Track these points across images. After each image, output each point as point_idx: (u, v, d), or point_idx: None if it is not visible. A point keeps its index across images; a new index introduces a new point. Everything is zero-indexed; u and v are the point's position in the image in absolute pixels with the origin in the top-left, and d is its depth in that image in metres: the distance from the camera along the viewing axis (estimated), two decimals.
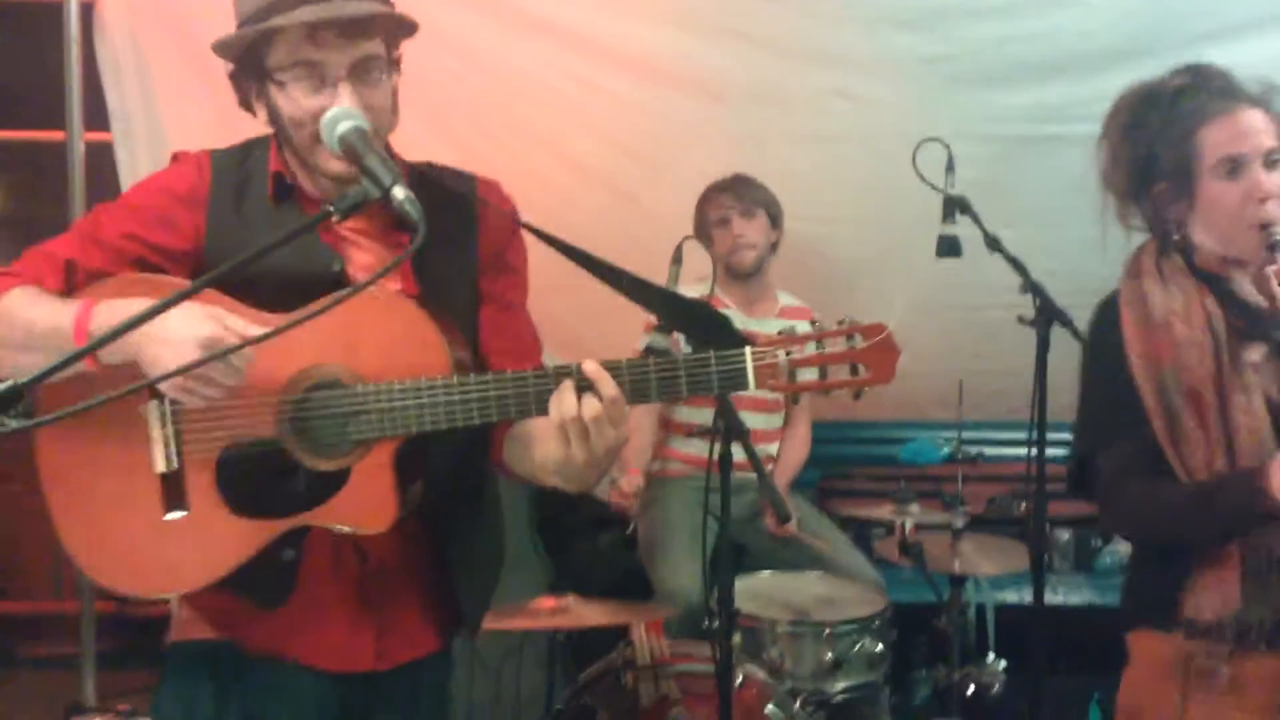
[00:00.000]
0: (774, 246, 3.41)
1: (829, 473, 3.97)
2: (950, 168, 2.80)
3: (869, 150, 3.38)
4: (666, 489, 3.38)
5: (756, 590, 2.94)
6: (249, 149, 1.65)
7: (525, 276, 1.77)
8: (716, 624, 2.25)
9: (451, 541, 1.67)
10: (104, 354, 1.41)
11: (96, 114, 3.32)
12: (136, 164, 3.29)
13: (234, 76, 1.60)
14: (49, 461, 1.58)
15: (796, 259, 3.52)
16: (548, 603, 2.46)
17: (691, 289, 2.94)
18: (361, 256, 1.61)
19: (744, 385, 1.41)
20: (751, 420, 3.12)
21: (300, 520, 1.51)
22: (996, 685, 2.84)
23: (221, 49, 1.56)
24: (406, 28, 1.57)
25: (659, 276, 2.50)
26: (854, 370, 1.41)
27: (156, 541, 1.53)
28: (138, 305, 1.36)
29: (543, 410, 1.41)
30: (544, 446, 1.49)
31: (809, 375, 1.41)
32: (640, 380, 1.41)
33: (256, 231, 1.57)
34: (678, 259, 2.27)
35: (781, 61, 3.34)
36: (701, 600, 2.84)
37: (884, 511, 3.04)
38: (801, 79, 3.37)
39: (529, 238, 1.70)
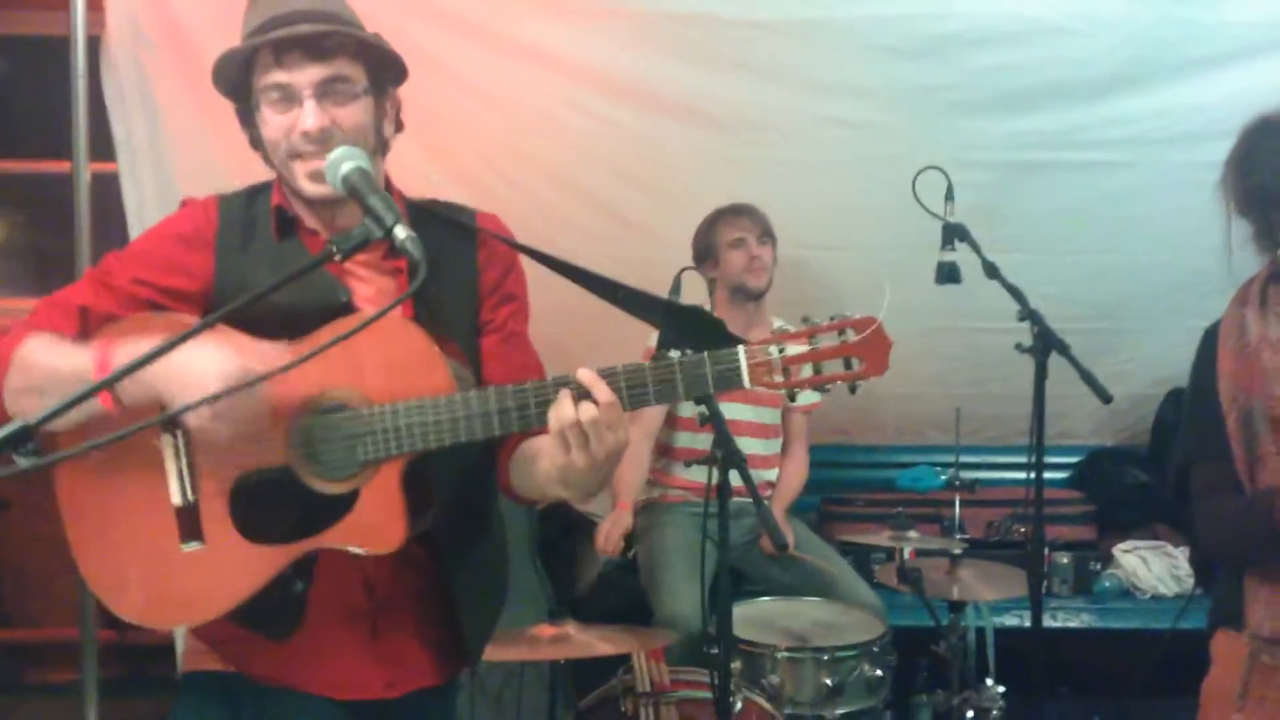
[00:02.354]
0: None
1: (829, 497, 3.98)
2: (949, 195, 2.84)
3: (868, 177, 3.42)
4: (665, 514, 3.39)
5: (756, 616, 2.96)
6: (255, 192, 1.70)
7: (526, 305, 1.80)
8: (716, 650, 2.26)
9: (456, 572, 1.69)
10: (125, 394, 1.44)
11: (102, 145, 3.35)
12: (142, 195, 3.32)
13: (238, 111, 1.65)
14: (70, 497, 1.60)
15: (793, 284, 3.55)
16: (547, 630, 2.47)
17: None
18: (363, 288, 1.65)
19: (740, 383, 1.43)
20: (749, 446, 3.13)
21: (312, 543, 1.53)
22: (995, 710, 2.84)
23: (215, 79, 1.62)
24: (370, 50, 1.60)
25: None
26: (847, 364, 1.44)
27: (174, 573, 1.55)
28: (154, 344, 1.38)
29: (544, 422, 1.44)
30: (546, 460, 1.51)
31: (804, 372, 1.43)
32: (637, 383, 1.44)
33: (262, 269, 1.61)
34: (676, 290, 2.30)
35: (781, 90, 3.38)
36: (700, 625, 2.85)
37: (882, 538, 3.05)
38: (801, 107, 3.41)
39: (527, 262, 1.74)
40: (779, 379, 1.43)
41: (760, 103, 3.38)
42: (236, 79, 1.61)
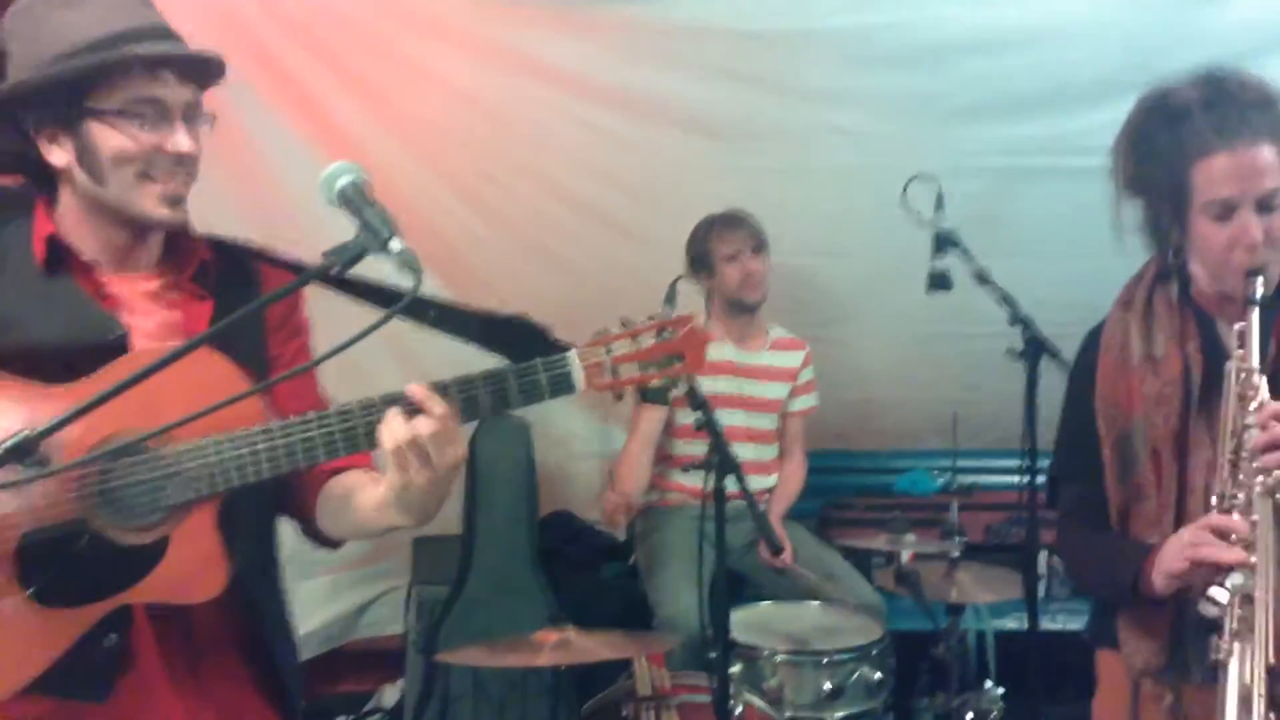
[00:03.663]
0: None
1: (829, 502, 4.00)
2: (940, 204, 2.86)
3: (861, 184, 3.44)
4: (665, 518, 3.42)
5: (756, 620, 2.97)
6: (3, 222, 1.56)
7: (309, 338, 1.71)
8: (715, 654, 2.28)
9: (266, 611, 1.63)
10: None
11: None
12: None
13: (17, 120, 1.50)
14: None
15: (789, 292, 3.58)
16: (549, 636, 2.48)
17: None
18: (142, 322, 1.55)
19: (574, 387, 1.44)
20: (745, 451, 3.16)
21: (118, 601, 1.43)
22: (995, 712, 2.86)
23: (26, 87, 1.47)
24: (218, 77, 1.56)
25: (655, 309, 2.57)
26: (669, 361, 1.47)
27: None
28: None
29: (372, 443, 1.40)
30: (370, 490, 1.48)
31: (631, 371, 1.46)
32: (469, 395, 1.42)
33: (26, 304, 1.49)
34: (671, 299, 2.32)
35: (773, 98, 3.42)
36: (699, 626, 2.87)
37: (880, 541, 3.07)
38: (793, 115, 3.44)
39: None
40: (609, 379, 1.46)
41: (754, 112, 3.41)
42: (53, 92, 1.46)
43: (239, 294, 1.56)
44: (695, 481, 3.36)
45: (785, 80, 3.37)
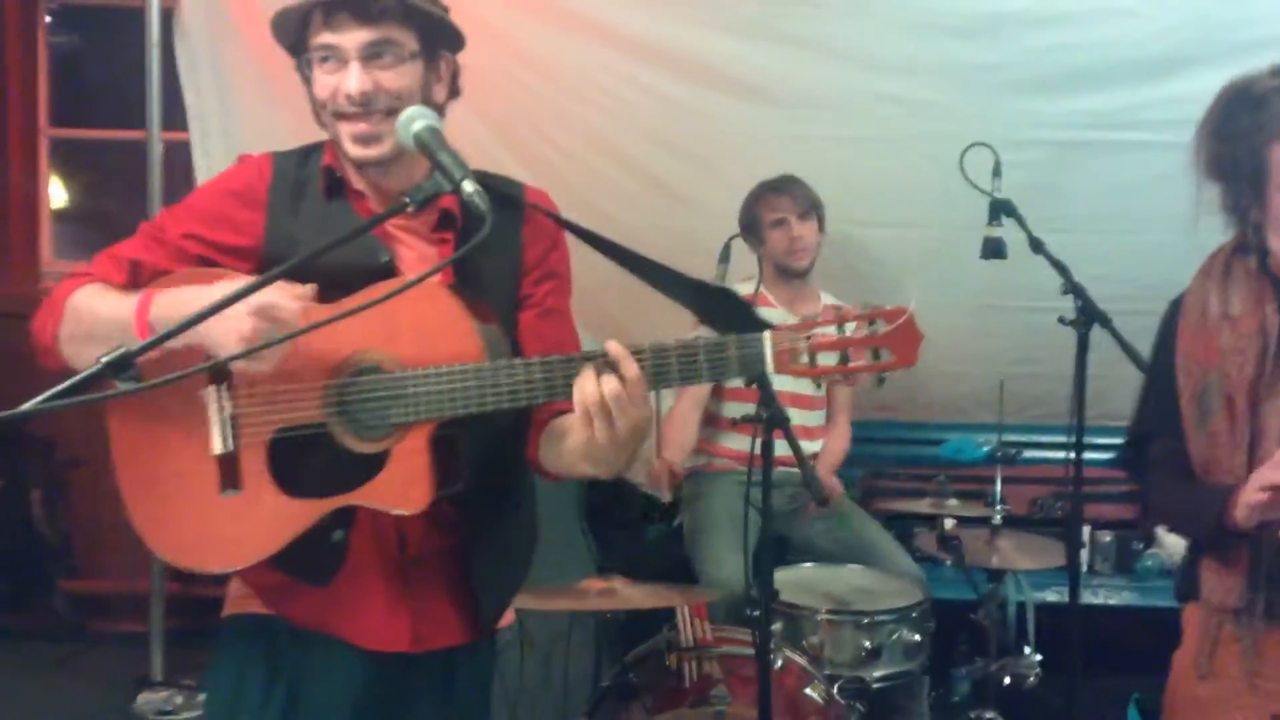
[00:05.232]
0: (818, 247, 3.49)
1: (871, 472, 4.02)
2: (997, 172, 2.86)
3: (917, 154, 3.44)
4: (710, 483, 3.46)
5: (798, 580, 3.02)
6: (308, 151, 1.73)
7: (568, 283, 1.80)
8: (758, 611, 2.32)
9: (477, 538, 1.72)
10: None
11: (173, 114, 3.47)
12: (212, 163, 3.43)
13: (298, 67, 1.67)
14: (119, 443, 1.65)
15: (842, 260, 3.59)
16: (595, 584, 2.54)
17: (739, 287, 3.03)
18: (407, 253, 1.68)
19: (763, 368, 1.43)
20: (791, 416, 3.18)
21: (343, 500, 1.57)
22: (1032, 677, 2.89)
23: (275, 33, 1.65)
24: (419, 14, 1.62)
25: (708, 274, 2.61)
26: (875, 355, 1.42)
27: (215, 519, 1.59)
28: (194, 293, 1.45)
29: (569, 395, 1.45)
30: (573, 437, 1.55)
31: (830, 360, 1.42)
32: (661, 363, 1.44)
33: (311, 228, 1.65)
34: (725, 258, 2.36)
35: (831, 65, 3.42)
36: (741, 587, 2.92)
37: (923, 505, 3.10)
38: (851, 82, 3.44)
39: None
40: (804, 366, 1.42)
41: (812, 78, 3.42)
42: (294, 36, 1.64)
43: (493, 237, 1.60)
44: (741, 446, 3.44)
45: (845, 47, 3.37)
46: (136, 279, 1.64)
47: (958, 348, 3.76)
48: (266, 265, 1.60)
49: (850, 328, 1.42)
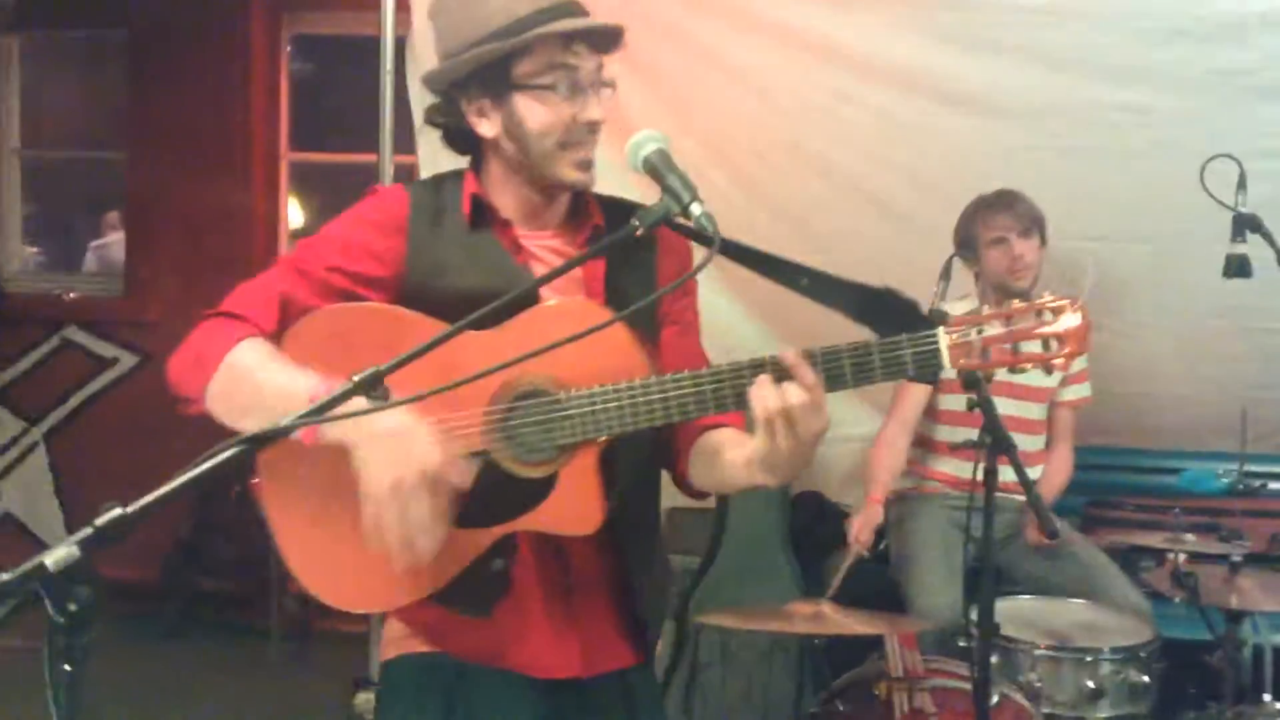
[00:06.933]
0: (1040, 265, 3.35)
1: (1092, 500, 3.83)
2: (1242, 184, 2.69)
3: (1152, 167, 3.27)
4: (921, 505, 3.36)
5: (1015, 613, 2.89)
6: (440, 180, 1.74)
7: (697, 298, 1.81)
8: (974, 642, 2.24)
9: (637, 555, 1.72)
10: (323, 435, 1.47)
11: (403, 138, 3.64)
12: None
13: (450, 97, 1.65)
14: (273, 499, 1.63)
15: (1065, 276, 3.43)
16: (802, 608, 2.52)
17: (953, 306, 2.94)
18: (544, 271, 1.65)
19: (939, 365, 1.42)
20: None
21: (512, 526, 1.56)
22: None
23: (460, 66, 1.60)
24: (617, 46, 1.66)
25: (924, 293, 2.54)
26: (1046, 345, 1.42)
27: (383, 559, 1.51)
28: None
29: (741, 405, 1.44)
30: (738, 449, 1.53)
31: (1002, 354, 1.42)
32: (834, 366, 1.42)
33: (455, 253, 1.65)
34: (946, 275, 2.30)
35: (1057, 74, 3.28)
36: (955, 618, 2.82)
37: (1156, 540, 2.92)
38: (1078, 92, 3.29)
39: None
40: (977, 360, 1.42)
41: (1038, 88, 3.28)
42: (483, 70, 1.60)
43: (631, 255, 1.69)
44: (954, 470, 3.34)
45: (1073, 56, 3.23)
46: (286, 317, 1.62)
47: (1191, 371, 3.55)
48: (406, 292, 1.63)
49: (1018, 320, 1.42)
